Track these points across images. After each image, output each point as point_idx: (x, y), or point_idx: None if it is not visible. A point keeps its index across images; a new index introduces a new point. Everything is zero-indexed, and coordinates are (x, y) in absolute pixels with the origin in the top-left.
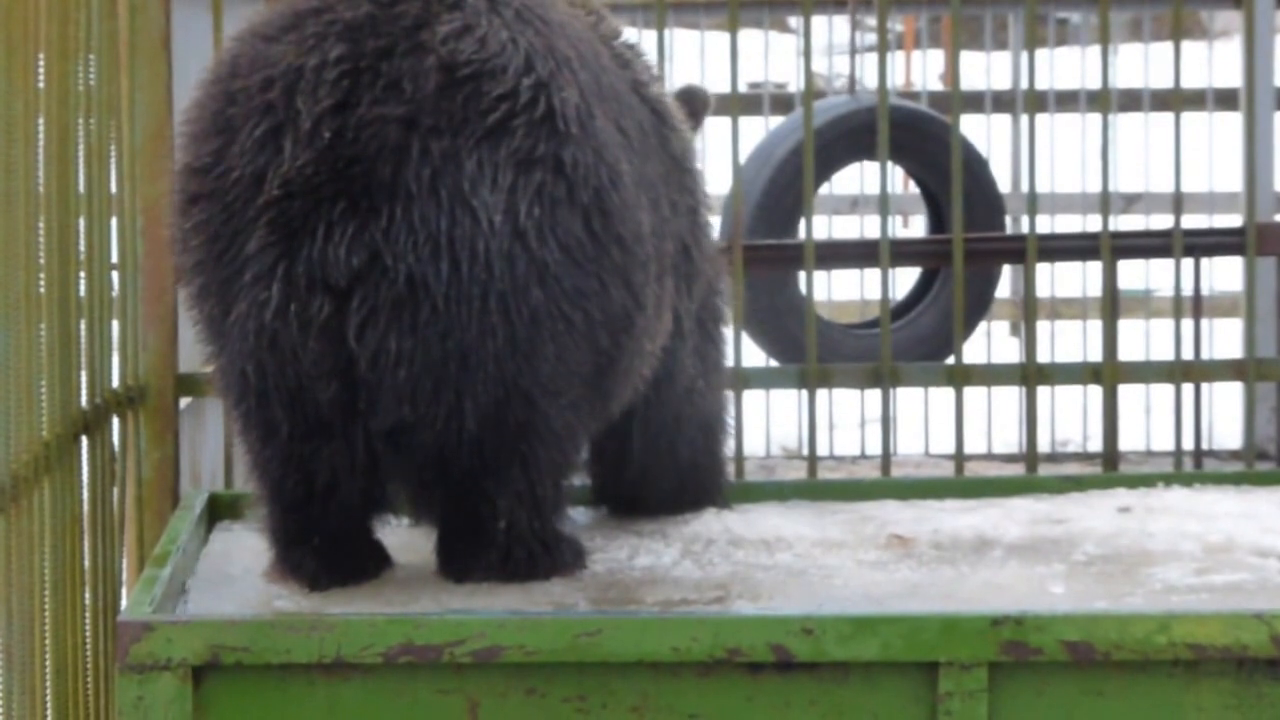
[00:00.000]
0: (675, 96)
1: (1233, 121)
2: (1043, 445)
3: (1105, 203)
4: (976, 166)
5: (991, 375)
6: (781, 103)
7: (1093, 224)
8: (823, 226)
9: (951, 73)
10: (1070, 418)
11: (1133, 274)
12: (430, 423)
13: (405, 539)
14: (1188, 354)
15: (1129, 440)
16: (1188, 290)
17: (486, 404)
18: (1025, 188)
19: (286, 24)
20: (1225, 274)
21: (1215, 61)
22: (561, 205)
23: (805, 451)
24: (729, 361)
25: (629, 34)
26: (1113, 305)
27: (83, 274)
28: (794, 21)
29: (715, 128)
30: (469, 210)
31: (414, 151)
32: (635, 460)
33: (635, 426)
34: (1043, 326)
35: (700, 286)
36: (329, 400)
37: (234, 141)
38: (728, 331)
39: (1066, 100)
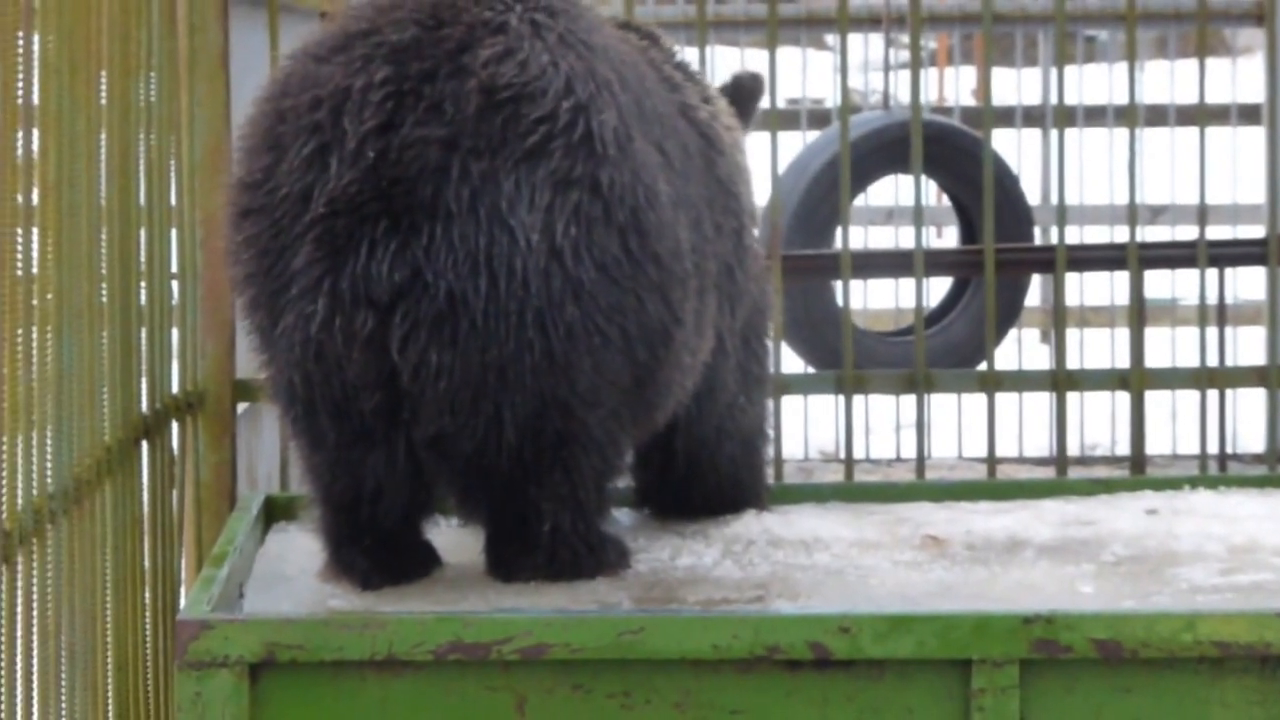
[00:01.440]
0: (723, 89)
1: (1256, 136)
2: (1072, 449)
3: (1132, 214)
4: (1007, 180)
5: (1022, 381)
6: (818, 118)
7: (1120, 235)
8: (858, 237)
9: (983, 89)
10: (1099, 423)
11: (1159, 283)
12: (471, 432)
13: (454, 539)
14: (1213, 361)
15: (1156, 444)
16: (1213, 299)
17: (525, 414)
18: (1055, 200)
19: (336, 45)
20: (1249, 283)
21: (1239, 77)
22: (598, 225)
23: (842, 455)
24: (771, 378)
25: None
26: (1140, 314)
27: (143, 284)
28: (831, 39)
29: (754, 142)
30: (506, 229)
31: (454, 172)
32: (678, 469)
33: (678, 437)
34: (1072, 334)
35: (744, 306)
36: (373, 409)
37: (283, 159)
38: (772, 349)
39: (1095, 115)
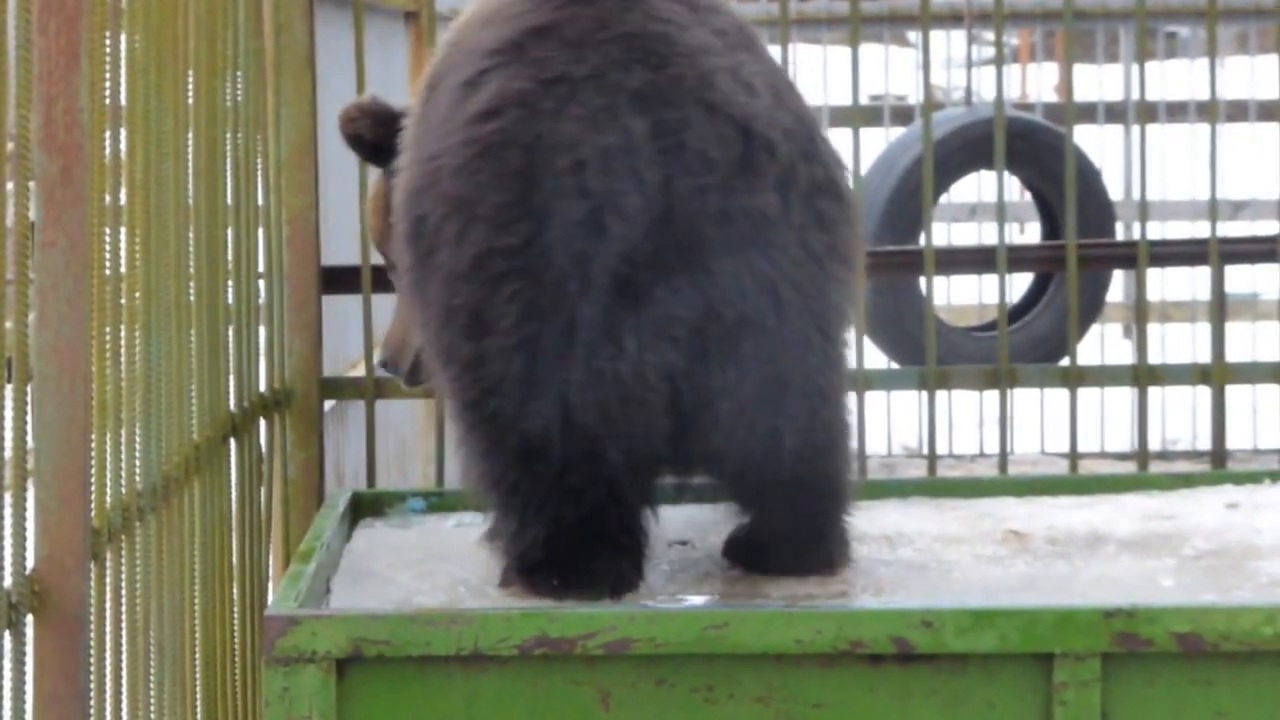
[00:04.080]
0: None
1: None
2: (1153, 444)
3: (1213, 209)
4: (1089, 175)
5: (1105, 376)
6: (901, 114)
7: (1201, 230)
8: (942, 234)
9: (1065, 85)
10: (1180, 417)
11: (1240, 278)
12: (749, 444)
13: None
14: None
15: (1236, 438)
16: None
17: (803, 415)
18: (1137, 195)
19: (563, 95)
20: None
21: None
22: (837, 223)
23: (925, 450)
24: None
25: None
26: (1221, 308)
27: (230, 282)
28: (913, 36)
29: (838, 139)
30: (780, 249)
31: (736, 215)
32: None
33: None
34: (1154, 329)
35: None
36: (662, 437)
37: (547, 224)
38: None
39: (1176, 111)
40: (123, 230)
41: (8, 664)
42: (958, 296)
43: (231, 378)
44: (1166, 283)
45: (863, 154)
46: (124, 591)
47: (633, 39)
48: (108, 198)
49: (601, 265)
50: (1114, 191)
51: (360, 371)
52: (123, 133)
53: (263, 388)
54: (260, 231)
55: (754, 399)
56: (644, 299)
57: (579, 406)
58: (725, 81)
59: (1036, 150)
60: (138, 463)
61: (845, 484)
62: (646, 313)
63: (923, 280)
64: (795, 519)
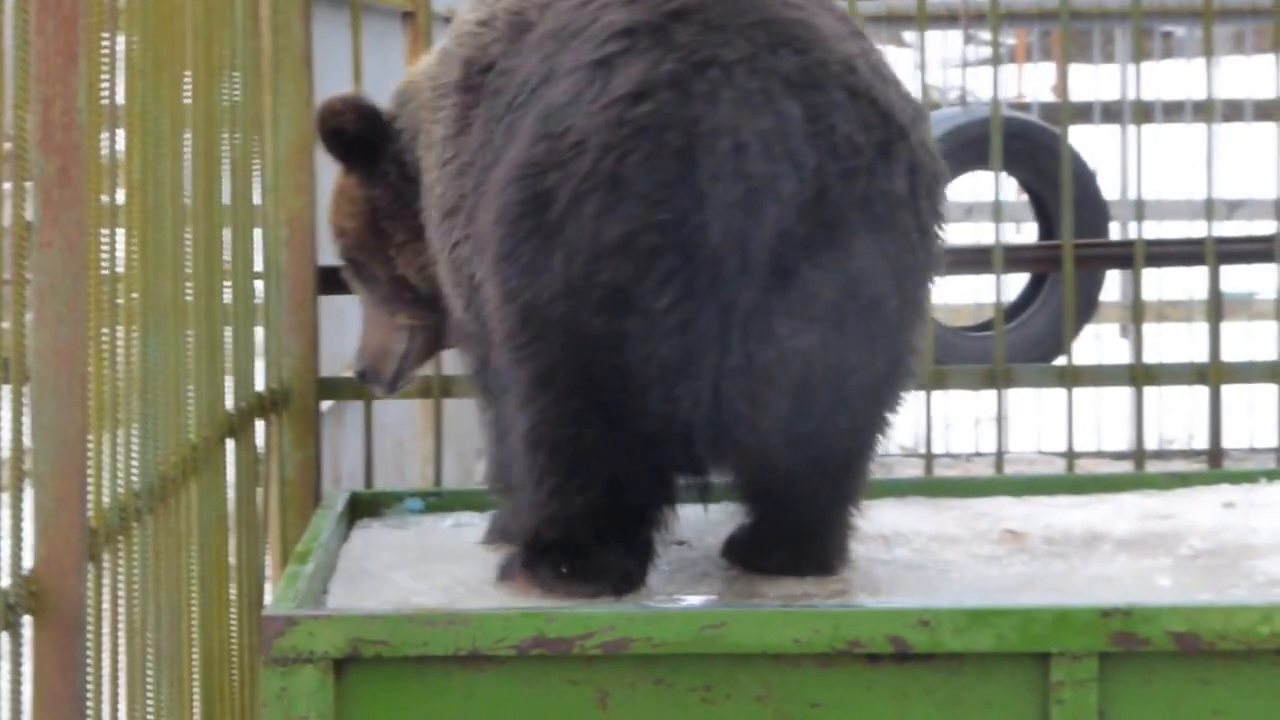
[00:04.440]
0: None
1: None
2: (1150, 443)
3: (1209, 209)
4: (1084, 175)
5: (1101, 376)
6: None
7: (1197, 230)
8: None
9: (1061, 84)
10: (1177, 416)
11: (1236, 278)
12: (841, 426)
13: None
14: None
15: (1233, 438)
16: None
17: (899, 394)
18: (1132, 195)
19: (716, 78)
20: None
21: None
22: (940, 204)
23: (922, 450)
24: None
25: None
26: (1217, 308)
27: (228, 283)
28: (909, 36)
29: None
30: (905, 235)
31: (875, 199)
32: None
33: None
34: (1150, 329)
35: None
36: (781, 419)
37: (703, 204)
38: None
39: (1172, 111)
40: (120, 231)
41: (5, 665)
42: (954, 296)
43: (229, 378)
44: (1163, 282)
45: None
46: (122, 592)
47: (774, 24)
48: (105, 198)
49: (757, 247)
50: (1110, 191)
51: None
52: (120, 133)
53: (260, 388)
54: (258, 232)
55: (868, 381)
56: (792, 282)
57: (729, 389)
58: (863, 67)
59: (1032, 150)
60: (135, 463)
61: (865, 480)
62: (794, 296)
63: None
64: (810, 515)
